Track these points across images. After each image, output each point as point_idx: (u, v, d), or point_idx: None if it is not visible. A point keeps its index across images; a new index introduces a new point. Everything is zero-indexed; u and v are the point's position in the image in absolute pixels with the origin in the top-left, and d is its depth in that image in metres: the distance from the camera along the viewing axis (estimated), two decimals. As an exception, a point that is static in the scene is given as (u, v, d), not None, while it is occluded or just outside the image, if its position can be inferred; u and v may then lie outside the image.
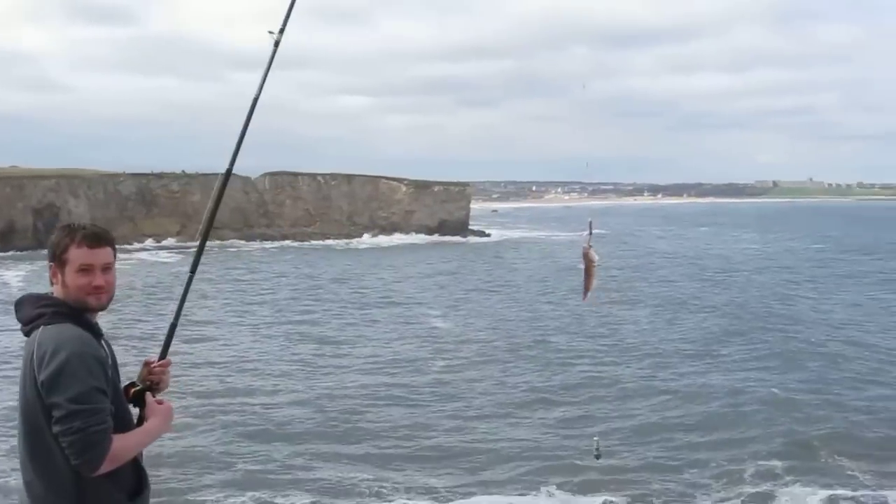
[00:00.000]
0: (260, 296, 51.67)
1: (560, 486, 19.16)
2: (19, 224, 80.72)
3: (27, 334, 4.79)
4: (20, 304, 4.91)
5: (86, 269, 4.81)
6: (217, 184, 5.88)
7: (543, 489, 19.00)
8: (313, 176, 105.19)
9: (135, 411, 5.07)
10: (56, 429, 4.50)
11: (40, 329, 4.70)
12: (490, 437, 22.92)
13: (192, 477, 19.71)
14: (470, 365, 31.48)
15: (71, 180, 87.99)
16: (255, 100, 6.01)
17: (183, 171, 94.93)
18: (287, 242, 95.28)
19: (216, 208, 5.99)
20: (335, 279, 61.01)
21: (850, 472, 20.04)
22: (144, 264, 68.74)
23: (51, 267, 4.92)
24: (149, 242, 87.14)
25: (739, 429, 23.44)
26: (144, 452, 5.10)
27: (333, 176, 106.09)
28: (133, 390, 5.15)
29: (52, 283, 4.93)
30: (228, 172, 5.86)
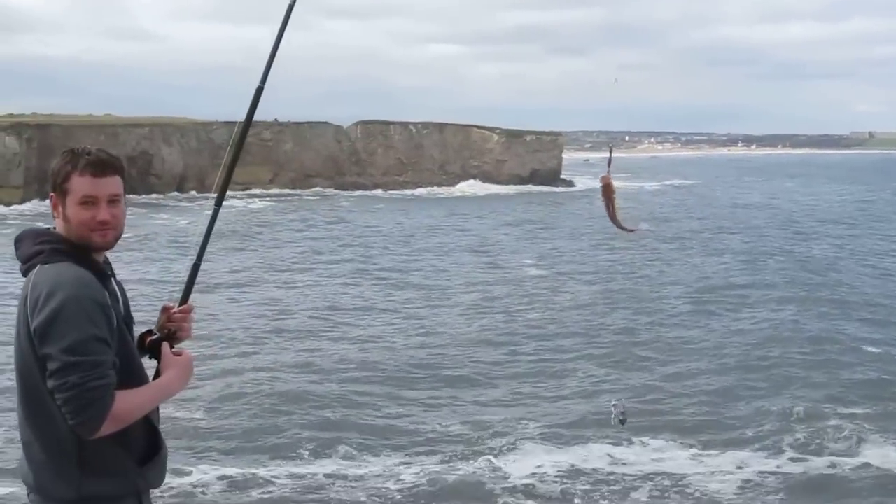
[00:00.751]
0: (350, 243, 51.31)
1: (654, 434, 18.79)
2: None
3: (25, 274, 4.25)
4: (19, 241, 4.35)
5: (89, 201, 4.23)
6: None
7: (637, 439, 18.48)
8: (405, 125, 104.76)
9: (153, 364, 4.54)
10: (50, 384, 3.97)
11: (37, 269, 4.17)
12: (583, 383, 22.60)
13: (295, 416, 19.65)
14: (564, 311, 31.12)
15: (164, 128, 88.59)
16: (290, 6, 5.43)
17: (276, 120, 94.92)
18: (378, 191, 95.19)
19: (244, 137, 5.41)
20: (427, 227, 60.74)
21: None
22: (235, 211, 68.94)
23: (52, 198, 4.35)
24: (239, 191, 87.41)
25: (821, 375, 22.96)
26: (162, 409, 4.62)
27: (425, 125, 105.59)
28: (149, 340, 4.65)
29: (53, 217, 4.37)
30: (259, 90, 5.25)
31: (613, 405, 9.82)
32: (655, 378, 22.93)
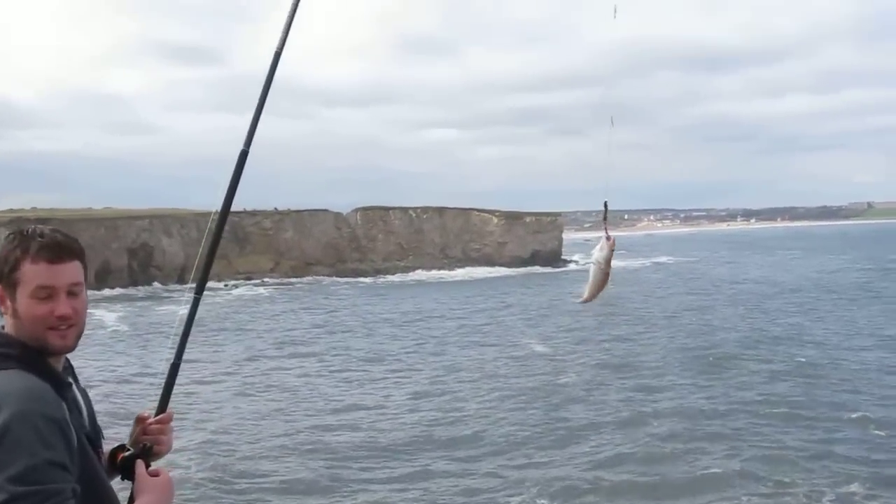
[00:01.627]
0: (354, 329, 51.45)
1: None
2: (114, 264, 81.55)
3: None
4: None
5: (45, 294, 3.49)
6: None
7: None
8: (405, 210, 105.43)
9: (124, 488, 3.74)
10: None
11: None
12: (592, 451, 22.86)
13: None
14: (569, 384, 31.46)
15: (164, 219, 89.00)
16: (277, 54, 4.51)
17: (275, 209, 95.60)
18: (380, 277, 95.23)
19: (230, 204, 4.40)
20: (431, 311, 60.79)
21: None
22: (241, 299, 69.20)
23: None
24: (241, 280, 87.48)
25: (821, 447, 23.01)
26: None
27: (425, 209, 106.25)
28: (121, 456, 3.81)
29: (1, 314, 3.62)
30: (244, 154, 4.38)
31: None
32: (656, 441, 23.50)
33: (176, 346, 4.22)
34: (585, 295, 5.55)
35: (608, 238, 5.34)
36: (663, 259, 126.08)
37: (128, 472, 3.74)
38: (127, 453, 3.82)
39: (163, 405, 4.10)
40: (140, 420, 3.99)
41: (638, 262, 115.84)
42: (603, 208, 5.49)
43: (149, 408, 4.08)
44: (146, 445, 3.87)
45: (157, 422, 3.99)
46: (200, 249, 4.36)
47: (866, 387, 29.85)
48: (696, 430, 24.58)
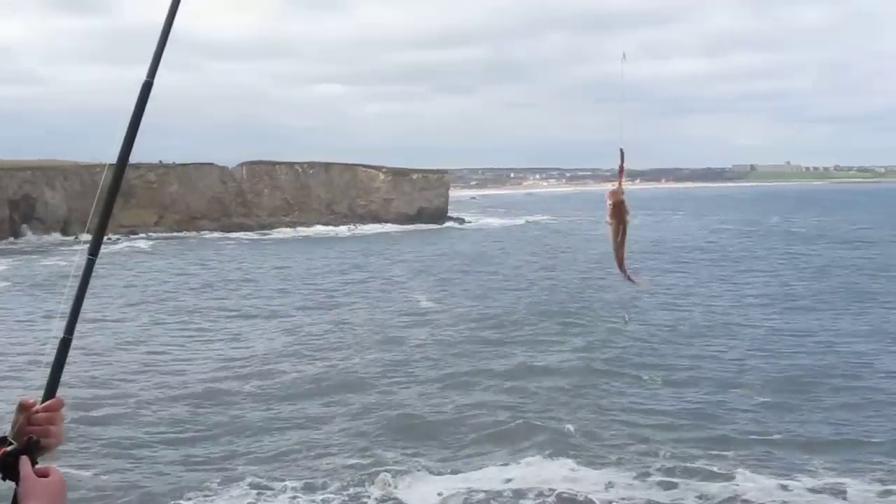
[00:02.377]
0: (244, 287, 51.82)
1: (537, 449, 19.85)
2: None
3: None
4: None
5: None
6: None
7: (522, 455, 19.55)
8: (291, 165, 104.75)
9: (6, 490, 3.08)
10: None
11: None
12: (466, 400, 23.68)
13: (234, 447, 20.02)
14: (451, 336, 32.63)
15: (47, 172, 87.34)
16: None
17: (160, 162, 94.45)
18: (266, 233, 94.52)
19: (132, 141, 3.67)
20: (321, 267, 61.08)
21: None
22: (124, 253, 68.48)
23: None
24: (124, 234, 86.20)
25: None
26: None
27: (311, 164, 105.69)
28: (3, 452, 3.08)
29: None
30: (148, 86, 3.68)
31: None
32: (527, 393, 24.61)
33: (66, 319, 3.40)
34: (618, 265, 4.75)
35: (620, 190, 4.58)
36: (542, 218, 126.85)
37: (10, 471, 3.05)
38: (9, 448, 3.09)
39: (51, 389, 3.29)
40: (24, 407, 3.18)
41: (516, 220, 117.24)
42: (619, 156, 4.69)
43: (34, 393, 3.28)
44: (32, 439, 3.13)
45: (45, 409, 3.20)
46: (96, 201, 3.67)
47: (750, 347, 30.82)
48: (571, 389, 25.15)
